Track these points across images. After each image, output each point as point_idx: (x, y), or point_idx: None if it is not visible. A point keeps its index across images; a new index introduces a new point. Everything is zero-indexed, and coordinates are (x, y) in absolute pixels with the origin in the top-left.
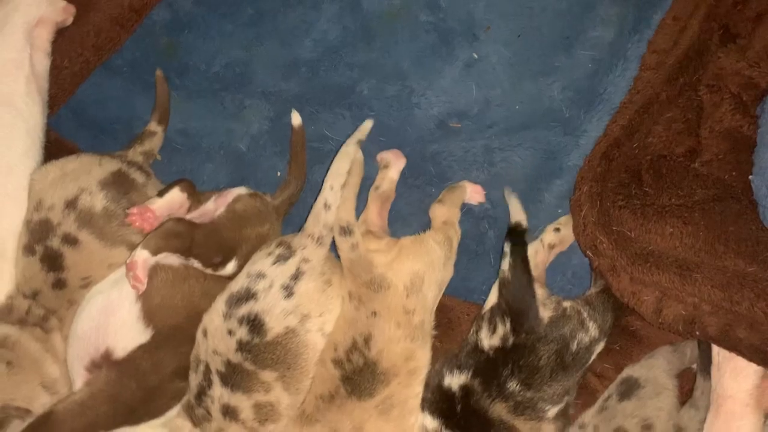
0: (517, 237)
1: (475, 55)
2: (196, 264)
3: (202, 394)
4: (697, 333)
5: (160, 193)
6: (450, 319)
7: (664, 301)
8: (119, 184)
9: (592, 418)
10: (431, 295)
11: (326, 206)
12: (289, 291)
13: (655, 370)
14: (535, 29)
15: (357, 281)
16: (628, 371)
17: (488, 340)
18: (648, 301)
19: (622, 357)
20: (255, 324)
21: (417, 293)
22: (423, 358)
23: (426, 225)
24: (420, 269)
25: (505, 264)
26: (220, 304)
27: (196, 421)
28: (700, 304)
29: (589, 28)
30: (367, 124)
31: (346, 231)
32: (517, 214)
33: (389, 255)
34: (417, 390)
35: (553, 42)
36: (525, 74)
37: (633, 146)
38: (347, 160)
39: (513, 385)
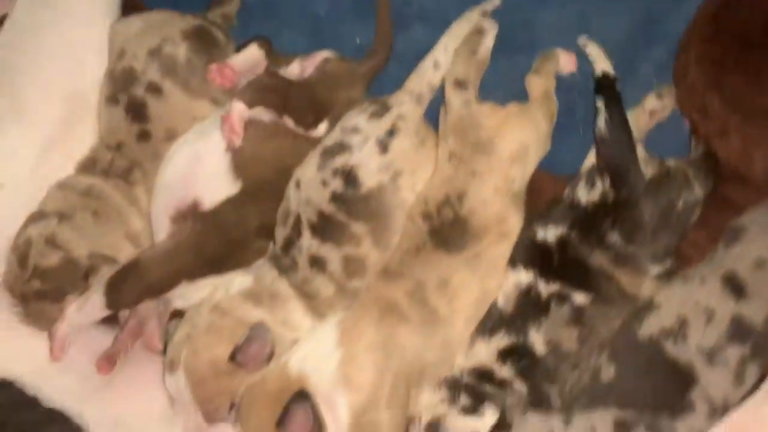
0: (610, 89)
1: None
2: (288, 122)
3: (289, 245)
4: None
5: (237, 50)
6: (534, 189)
7: None
8: (202, 39)
9: (698, 270)
10: (530, 168)
11: (436, 65)
12: (383, 146)
13: (761, 215)
14: None
15: (462, 141)
16: (731, 224)
17: (586, 196)
18: (760, 163)
19: (717, 226)
20: (349, 177)
21: (520, 163)
22: (516, 223)
23: (512, 97)
24: (526, 140)
25: (601, 120)
26: (314, 157)
27: (281, 270)
28: None
29: None
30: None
31: (462, 85)
32: (602, 63)
33: (496, 119)
34: (506, 252)
35: None
36: None
37: (745, 6)
38: (468, 25)
39: (614, 238)
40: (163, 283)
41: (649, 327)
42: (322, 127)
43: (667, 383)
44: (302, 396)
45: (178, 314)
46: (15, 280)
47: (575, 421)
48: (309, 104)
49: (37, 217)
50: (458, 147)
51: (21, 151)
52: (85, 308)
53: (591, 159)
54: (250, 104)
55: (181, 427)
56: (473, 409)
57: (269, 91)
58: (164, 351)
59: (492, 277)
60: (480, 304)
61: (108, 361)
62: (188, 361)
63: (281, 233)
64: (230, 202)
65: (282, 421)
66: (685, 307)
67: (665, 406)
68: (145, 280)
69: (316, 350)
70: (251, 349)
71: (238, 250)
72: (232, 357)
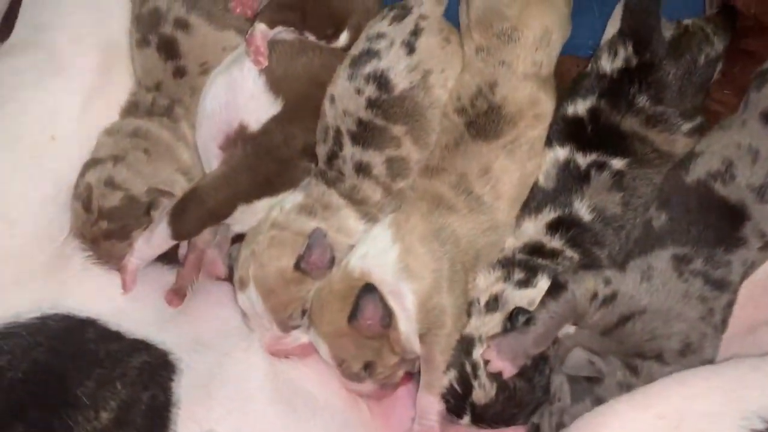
0: None
1: None
2: (310, 37)
3: (333, 158)
4: None
5: None
6: (559, 73)
7: None
8: None
9: (734, 118)
10: (555, 52)
11: None
12: (410, 47)
13: None
14: None
15: (487, 33)
16: (757, 71)
17: (610, 65)
18: None
19: (741, 80)
20: (381, 81)
21: (546, 47)
22: (548, 106)
23: None
24: (549, 24)
25: None
26: (343, 69)
27: (329, 183)
28: None
29: None
30: None
31: None
32: None
33: (517, 7)
34: (543, 134)
35: None
36: None
37: None
38: None
39: (642, 100)
40: (221, 207)
41: (696, 172)
42: (343, 38)
43: (720, 221)
44: (369, 289)
45: (237, 240)
46: (83, 224)
47: (630, 266)
48: (326, 17)
49: (92, 163)
50: (484, 40)
51: (66, 102)
52: (152, 240)
53: (609, 33)
54: (271, 24)
55: (260, 339)
56: (528, 282)
57: (287, 9)
58: (230, 275)
59: (531, 159)
60: (522, 187)
61: (176, 295)
62: (257, 275)
63: (323, 149)
64: (275, 121)
65: (353, 314)
66: (728, 150)
67: (720, 242)
68: (205, 205)
69: (374, 248)
70: (313, 256)
71: (288, 168)
72: (297, 265)
